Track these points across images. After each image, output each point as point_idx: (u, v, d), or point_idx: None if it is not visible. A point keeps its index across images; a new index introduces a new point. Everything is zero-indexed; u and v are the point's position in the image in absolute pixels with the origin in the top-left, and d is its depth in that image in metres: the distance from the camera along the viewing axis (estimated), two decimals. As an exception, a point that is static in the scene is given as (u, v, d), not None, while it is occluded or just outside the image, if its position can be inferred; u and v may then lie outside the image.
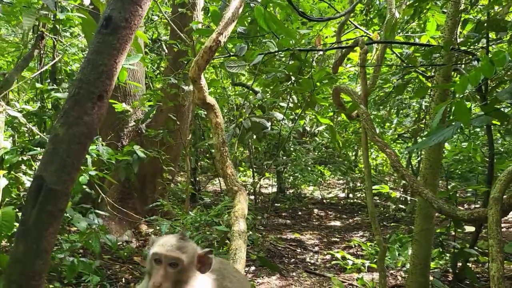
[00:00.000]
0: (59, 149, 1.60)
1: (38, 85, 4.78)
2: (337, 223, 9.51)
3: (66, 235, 4.28)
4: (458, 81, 3.21)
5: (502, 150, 5.64)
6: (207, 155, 13.03)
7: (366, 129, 3.68)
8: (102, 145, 4.00)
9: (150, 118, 7.19)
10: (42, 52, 4.94)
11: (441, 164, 4.74)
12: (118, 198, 6.94)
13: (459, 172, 6.77)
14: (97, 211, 3.68)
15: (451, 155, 5.53)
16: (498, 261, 1.80)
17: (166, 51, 6.78)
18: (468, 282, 4.79)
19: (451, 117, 3.69)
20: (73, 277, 4.15)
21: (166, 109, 7.02)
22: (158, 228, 7.10)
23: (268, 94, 5.13)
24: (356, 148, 12.10)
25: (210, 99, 3.04)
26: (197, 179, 10.12)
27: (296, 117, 7.46)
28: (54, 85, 4.85)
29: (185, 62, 6.39)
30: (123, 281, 5.57)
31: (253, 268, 6.19)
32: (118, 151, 5.89)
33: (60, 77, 6.77)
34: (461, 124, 3.14)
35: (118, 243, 6.36)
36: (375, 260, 5.92)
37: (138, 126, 7.05)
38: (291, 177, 11.13)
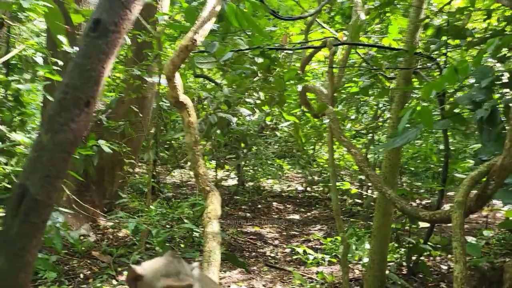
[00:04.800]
0: (43, 157, 1.53)
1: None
2: (296, 217, 9.69)
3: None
4: (423, 86, 3.35)
5: (453, 149, 5.96)
6: (167, 146, 12.85)
7: (333, 129, 3.77)
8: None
9: (111, 109, 6.99)
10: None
11: (400, 164, 4.96)
12: (75, 190, 6.71)
13: (412, 169, 7.09)
14: (59, 208, 3.55)
15: (408, 154, 5.78)
16: (461, 263, 1.92)
17: (129, 41, 6.60)
18: (421, 276, 5.04)
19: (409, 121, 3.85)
20: (30, 274, 4.00)
21: (128, 100, 6.85)
22: (117, 222, 6.95)
23: (234, 90, 5.13)
24: (314, 143, 12.35)
25: (184, 98, 3.00)
26: (157, 170, 9.97)
27: (259, 111, 7.51)
28: (11, 74, 4.59)
29: (149, 53, 6.25)
30: (81, 276, 5.43)
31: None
32: (77, 143, 5.69)
33: (13, 62, 6.43)
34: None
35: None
36: (334, 254, 6.11)
37: (98, 117, 6.84)
38: (251, 170, 11.21)
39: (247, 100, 5.27)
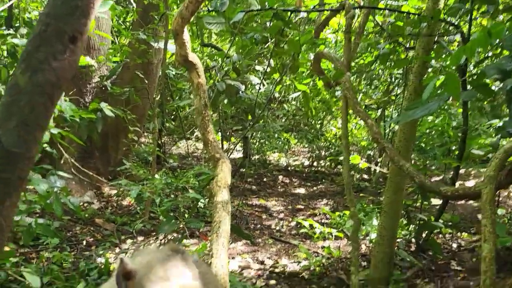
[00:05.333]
0: (20, 101, 1.28)
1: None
2: (302, 191, 9.57)
3: (23, 193, 4.00)
4: (452, 54, 3.12)
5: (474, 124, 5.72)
6: (172, 116, 12.68)
7: (348, 98, 3.57)
8: (65, 100, 3.68)
9: (116, 75, 6.79)
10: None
11: (415, 138, 4.75)
12: (79, 157, 6.60)
13: (423, 145, 6.88)
14: (59, 172, 3.41)
15: (423, 128, 5.57)
16: (491, 242, 1.75)
17: (134, 4, 6.33)
18: (430, 253, 4.92)
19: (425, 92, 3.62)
20: (30, 240, 3.91)
21: (133, 66, 6.64)
22: (121, 190, 6.85)
23: (243, 57, 4.89)
24: (323, 117, 12.12)
25: (193, 57, 2.79)
26: (163, 141, 9.82)
27: (268, 82, 7.28)
28: (11, 30, 4.38)
29: (155, 16, 5.99)
30: (84, 243, 5.36)
31: (219, 233, 6.11)
32: (81, 108, 5.53)
33: (17, 25, 6.20)
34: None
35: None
36: (341, 229, 5.99)
37: (103, 83, 6.65)
38: (257, 143, 11.04)
39: (257, 67, 5.04)
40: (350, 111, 4.82)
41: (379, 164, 8.60)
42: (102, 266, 4.37)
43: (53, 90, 1.29)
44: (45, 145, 3.33)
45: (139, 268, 1.51)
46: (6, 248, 3.77)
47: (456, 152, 4.79)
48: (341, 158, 7.26)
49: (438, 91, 3.09)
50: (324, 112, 11.53)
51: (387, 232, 4.53)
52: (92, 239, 5.55)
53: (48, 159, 4.88)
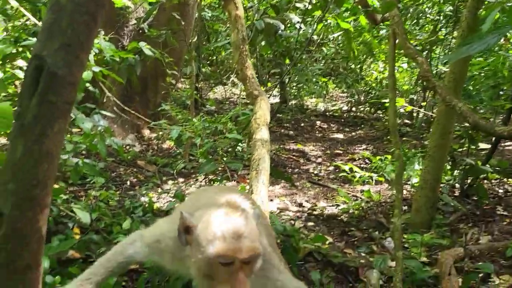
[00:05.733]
0: (61, 21, 1.23)
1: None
2: (340, 136, 9.44)
3: (69, 135, 4.11)
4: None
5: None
6: (208, 62, 12.56)
7: (397, 34, 3.35)
8: (105, 39, 3.64)
9: (152, 17, 6.68)
10: None
11: (465, 79, 4.48)
12: (120, 101, 6.70)
13: (470, 88, 6.51)
14: (102, 111, 3.44)
15: (474, 69, 5.22)
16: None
17: None
18: (475, 198, 4.78)
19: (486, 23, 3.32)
20: (78, 178, 4.06)
21: (169, 7, 6.49)
22: (161, 133, 6.97)
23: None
24: (363, 60, 11.67)
25: (231, -14, 2.64)
26: (199, 86, 9.81)
27: (309, 21, 6.96)
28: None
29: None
30: (128, 183, 5.55)
31: (257, 176, 6.16)
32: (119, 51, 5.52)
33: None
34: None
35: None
36: (381, 173, 5.90)
37: (140, 26, 6.57)
38: (295, 88, 10.84)
39: (297, 5, 4.78)
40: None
41: (423, 108, 8.28)
42: (146, 205, 4.52)
43: (96, 8, 1.23)
44: (87, 84, 3.35)
45: (198, 223, 1.53)
46: (56, 186, 3.94)
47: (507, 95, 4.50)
48: (383, 101, 7.02)
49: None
50: (365, 55, 11.08)
51: (431, 176, 4.41)
52: (135, 179, 5.73)
53: (91, 99, 4.97)
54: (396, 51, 3.77)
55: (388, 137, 8.92)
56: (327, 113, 11.40)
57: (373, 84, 11.03)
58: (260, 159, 2.35)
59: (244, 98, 10.55)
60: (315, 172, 6.90)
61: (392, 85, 3.49)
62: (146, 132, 7.43)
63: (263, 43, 6.12)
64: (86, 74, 3.11)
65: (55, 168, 1.30)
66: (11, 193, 1.23)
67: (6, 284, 1.21)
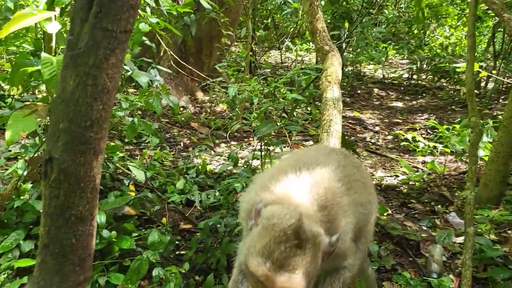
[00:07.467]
0: None
1: None
2: (400, 104, 8.96)
3: (125, 93, 4.10)
4: None
5: None
6: (263, 25, 12.24)
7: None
8: (161, -6, 3.52)
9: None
10: None
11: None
12: (174, 63, 6.67)
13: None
14: (159, 66, 3.36)
15: None
16: None
17: None
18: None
19: None
20: (133, 137, 4.07)
21: (226, -36, 6.25)
22: (214, 96, 6.89)
23: None
24: (427, 25, 10.88)
25: None
26: (254, 49, 9.59)
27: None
28: None
29: None
30: (181, 145, 5.57)
31: (311, 143, 5.98)
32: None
33: None
34: None
35: (175, 108, 6.26)
36: (446, 144, 5.50)
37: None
38: (353, 53, 10.33)
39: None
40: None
41: (498, 74, 7.61)
42: (200, 166, 4.49)
43: None
44: (144, 38, 3.26)
45: (270, 215, 1.30)
46: (112, 143, 3.98)
47: None
48: (455, 66, 6.50)
49: None
50: (431, 19, 10.32)
51: (504, 148, 4.02)
52: (188, 141, 5.74)
53: (148, 54, 4.94)
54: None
55: (453, 106, 8.35)
56: (385, 81, 10.85)
57: (438, 50, 10.29)
58: (331, 120, 2.14)
59: (299, 63, 10.23)
60: (372, 140, 6.60)
61: (471, 44, 3.14)
62: (200, 95, 7.40)
63: (322, 2, 5.76)
64: (143, 25, 3.01)
65: (110, 109, 1.18)
66: (61, 133, 1.11)
67: (57, 236, 1.13)
